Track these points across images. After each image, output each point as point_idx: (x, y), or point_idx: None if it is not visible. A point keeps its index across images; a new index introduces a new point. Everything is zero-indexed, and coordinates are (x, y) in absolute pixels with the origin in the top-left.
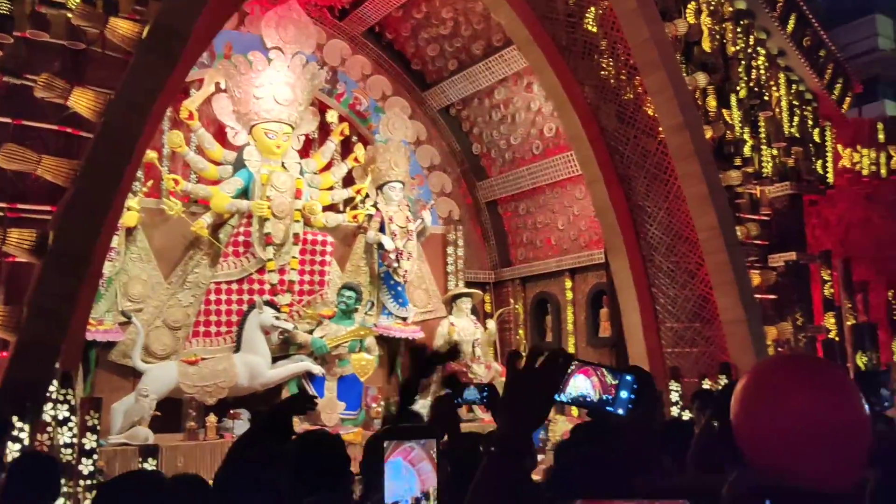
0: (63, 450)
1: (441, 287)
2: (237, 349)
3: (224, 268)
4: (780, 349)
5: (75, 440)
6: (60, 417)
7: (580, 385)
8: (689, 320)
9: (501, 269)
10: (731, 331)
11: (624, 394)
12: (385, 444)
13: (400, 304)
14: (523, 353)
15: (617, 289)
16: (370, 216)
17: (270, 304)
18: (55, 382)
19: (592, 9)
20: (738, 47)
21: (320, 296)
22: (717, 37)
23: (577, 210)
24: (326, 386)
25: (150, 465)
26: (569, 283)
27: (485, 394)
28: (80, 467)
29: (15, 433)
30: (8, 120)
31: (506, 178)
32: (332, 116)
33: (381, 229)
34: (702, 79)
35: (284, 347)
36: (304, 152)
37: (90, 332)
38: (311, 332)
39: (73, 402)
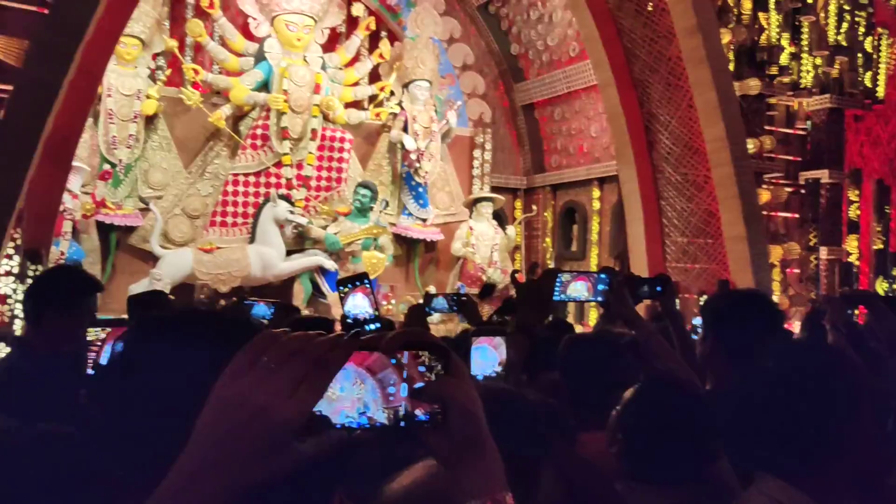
0: None
1: (466, 190)
2: (252, 240)
3: (242, 160)
4: (787, 270)
5: None
6: None
7: (578, 288)
8: (693, 235)
9: (534, 175)
10: (733, 248)
11: (601, 287)
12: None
13: (420, 205)
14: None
15: (624, 199)
16: (394, 115)
17: (285, 198)
18: (16, 259)
19: None
20: None
21: (337, 192)
22: None
23: None
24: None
25: None
26: (597, 193)
27: (454, 301)
28: None
29: None
30: None
31: (542, 80)
32: (358, 10)
33: (405, 128)
34: None
35: (300, 241)
36: (331, 46)
37: (109, 215)
38: (326, 227)
39: None
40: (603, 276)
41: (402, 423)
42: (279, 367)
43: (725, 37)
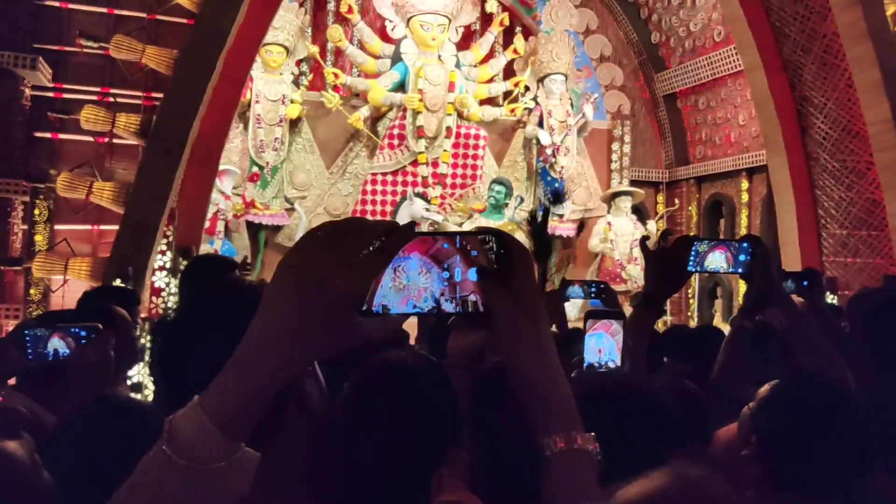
0: None
1: (604, 185)
2: None
3: (380, 160)
4: None
5: None
6: None
7: (716, 258)
8: (854, 226)
9: (677, 167)
10: None
11: (742, 257)
12: (589, 321)
13: None
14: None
15: (773, 188)
16: (529, 110)
17: (421, 195)
18: (169, 255)
19: None
20: None
21: (472, 189)
22: None
23: None
24: None
25: None
26: (745, 185)
27: (592, 290)
28: None
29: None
30: (136, 13)
31: (685, 68)
32: (492, 6)
33: (541, 123)
34: None
35: None
36: (466, 44)
37: (258, 215)
38: (461, 224)
39: None
40: (745, 244)
41: (471, 313)
42: (338, 242)
43: (891, 7)
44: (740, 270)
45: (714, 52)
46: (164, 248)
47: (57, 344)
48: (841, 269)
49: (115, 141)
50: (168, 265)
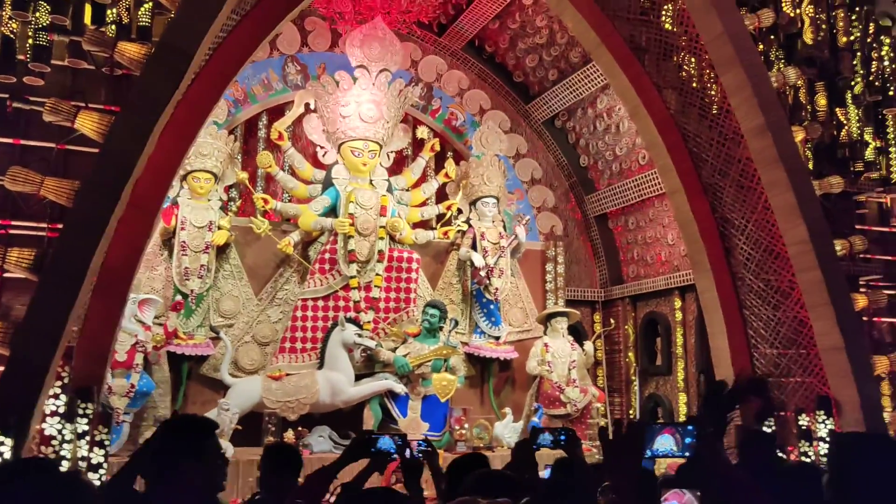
0: (80, 462)
1: (539, 306)
2: (320, 366)
3: (311, 285)
4: None
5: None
6: (80, 431)
7: (665, 441)
8: (784, 346)
9: (612, 286)
10: (830, 359)
11: (688, 440)
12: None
13: (492, 322)
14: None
15: (703, 309)
16: (462, 232)
17: (353, 321)
18: (63, 398)
19: (669, 5)
20: (852, 37)
21: (406, 313)
22: (824, 27)
23: None
24: (410, 406)
25: None
26: (678, 303)
27: (562, 438)
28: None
29: None
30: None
31: (613, 190)
32: (423, 132)
33: (474, 246)
34: (792, 74)
35: (370, 365)
36: (398, 168)
37: (181, 346)
38: (395, 350)
39: (91, 416)
40: (689, 427)
41: None
42: None
43: (799, 134)
44: (687, 454)
45: (640, 174)
46: (58, 390)
47: None
48: (776, 389)
49: (11, 276)
50: (62, 409)
